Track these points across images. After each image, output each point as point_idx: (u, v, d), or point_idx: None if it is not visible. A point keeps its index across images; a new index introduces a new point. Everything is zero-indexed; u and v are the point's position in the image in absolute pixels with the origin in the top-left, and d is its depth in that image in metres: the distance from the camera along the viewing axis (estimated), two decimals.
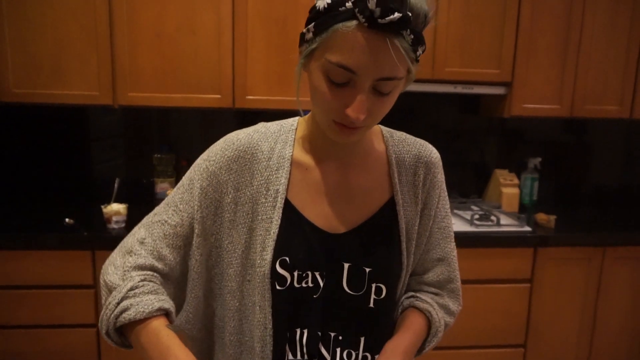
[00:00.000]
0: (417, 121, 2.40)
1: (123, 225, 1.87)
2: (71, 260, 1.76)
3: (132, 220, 1.91)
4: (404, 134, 0.86)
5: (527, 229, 2.01)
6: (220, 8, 1.94)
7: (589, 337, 2.10)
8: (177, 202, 0.79)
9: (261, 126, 0.82)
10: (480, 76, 2.12)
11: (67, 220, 1.86)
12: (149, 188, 2.31)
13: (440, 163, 0.85)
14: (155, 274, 0.77)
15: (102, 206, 1.87)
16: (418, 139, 0.86)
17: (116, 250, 0.80)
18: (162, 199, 2.19)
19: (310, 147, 0.80)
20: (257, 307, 0.76)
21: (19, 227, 1.85)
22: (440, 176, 0.85)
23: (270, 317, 0.75)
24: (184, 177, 0.81)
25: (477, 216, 2.07)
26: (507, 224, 2.04)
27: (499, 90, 2.16)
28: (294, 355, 0.78)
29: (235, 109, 2.03)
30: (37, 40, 1.88)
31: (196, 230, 0.78)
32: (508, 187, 2.28)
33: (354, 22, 0.61)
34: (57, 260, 1.76)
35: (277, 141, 0.79)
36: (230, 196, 0.77)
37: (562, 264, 2.02)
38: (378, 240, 0.79)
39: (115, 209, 1.85)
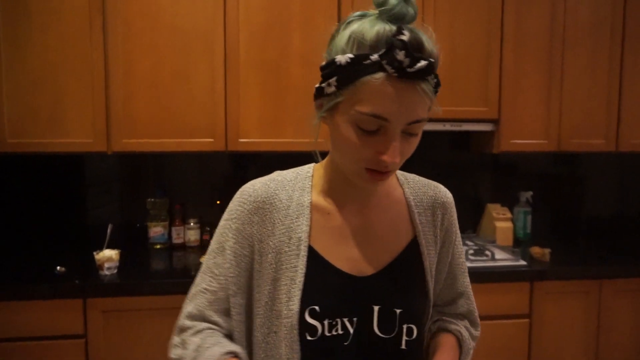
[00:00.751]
0: (412, 160, 2.42)
1: (115, 271, 1.84)
2: (62, 310, 1.73)
3: (125, 265, 1.90)
4: (416, 176, 0.89)
5: (522, 262, 2.01)
6: (213, 56, 2.01)
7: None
8: (212, 267, 0.80)
9: (277, 175, 0.83)
10: (469, 114, 2.18)
11: (58, 268, 1.84)
12: (142, 233, 2.30)
13: (454, 203, 0.89)
14: (215, 329, 0.78)
15: (95, 253, 1.85)
16: (431, 181, 0.89)
17: (174, 333, 0.82)
18: (156, 243, 2.24)
19: (330, 192, 0.81)
20: (285, 358, 0.74)
21: (10, 277, 1.82)
22: (455, 216, 0.89)
23: None
24: (212, 242, 0.82)
25: (471, 251, 2.07)
26: (502, 259, 2.04)
27: (487, 127, 2.21)
28: None
29: (228, 152, 2.05)
30: (34, 91, 1.92)
31: (231, 291, 0.78)
32: (501, 222, 2.30)
33: (382, 74, 0.63)
34: (47, 310, 1.72)
35: (295, 189, 0.80)
36: (256, 248, 0.78)
37: (560, 298, 2.01)
38: (405, 281, 0.80)
39: (108, 255, 1.83)
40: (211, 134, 2.03)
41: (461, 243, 0.91)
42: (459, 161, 2.54)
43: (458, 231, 0.90)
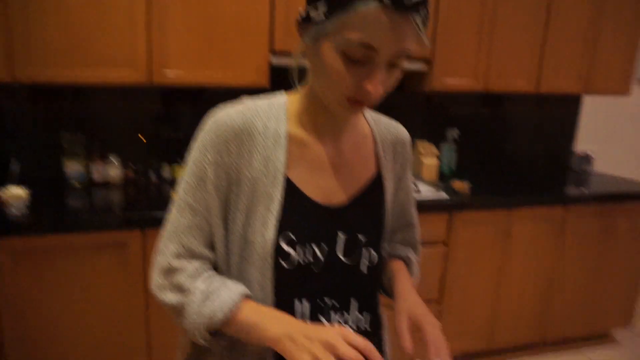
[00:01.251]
0: None
1: (25, 210, 1.73)
2: None
3: (38, 204, 1.81)
4: (380, 114, 0.93)
5: (444, 195, 2.18)
6: None
7: (497, 289, 2.35)
8: (192, 202, 0.77)
9: (249, 102, 0.81)
10: None
11: None
12: (56, 170, 2.17)
13: (410, 142, 0.95)
14: (205, 265, 0.79)
15: None
16: (393, 120, 0.94)
17: (155, 275, 0.79)
18: (74, 181, 2.12)
19: (305, 124, 0.81)
20: (256, 286, 0.76)
21: None
22: (410, 153, 0.97)
23: (271, 295, 0.76)
24: (186, 176, 0.79)
25: None
26: (426, 191, 2.20)
27: (420, 66, 2.27)
28: None
29: (153, 85, 1.96)
30: None
31: (214, 224, 0.78)
32: (428, 158, 2.44)
33: (377, 2, 0.63)
34: None
35: (270, 118, 0.79)
36: (233, 178, 0.77)
37: (475, 226, 2.22)
38: (369, 211, 0.86)
39: (15, 192, 1.70)
40: (130, 64, 1.90)
41: (411, 178, 0.99)
42: (392, 100, 2.60)
43: (410, 167, 0.97)
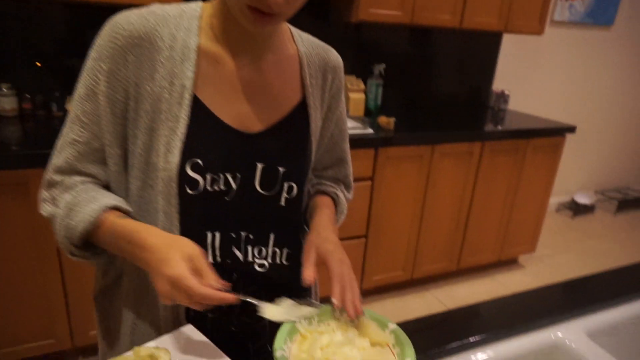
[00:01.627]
0: None
1: None
2: None
3: None
4: (310, 35, 0.83)
5: (370, 131, 2.15)
6: None
7: (419, 223, 2.43)
8: (81, 115, 0.69)
9: (156, 7, 0.69)
10: None
11: None
12: None
13: (343, 68, 0.86)
14: (89, 181, 0.72)
15: None
16: (323, 43, 0.85)
17: (41, 187, 0.75)
18: None
19: (221, 38, 0.71)
20: (161, 214, 0.70)
21: None
22: (343, 82, 0.87)
23: (176, 223, 0.71)
24: (78, 86, 0.70)
25: None
26: (352, 127, 2.15)
27: None
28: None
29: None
30: None
31: (107, 141, 0.70)
32: (354, 93, 2.38)
33: None
34: None
35: (179, 28, 0.69)
36: (131, 93, 0.67)
37: (399, 162, 2.24)
38: (291, 141, 0.78)
39: None
40: None
41: (345, 110, 0.91)
42: (317, 31, 2.47)
43: (343, 97, 0.89)
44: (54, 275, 1.70)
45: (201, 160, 0.69)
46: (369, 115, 2.47)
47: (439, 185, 2.40)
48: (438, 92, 2.96)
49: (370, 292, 2.54)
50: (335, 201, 0.92)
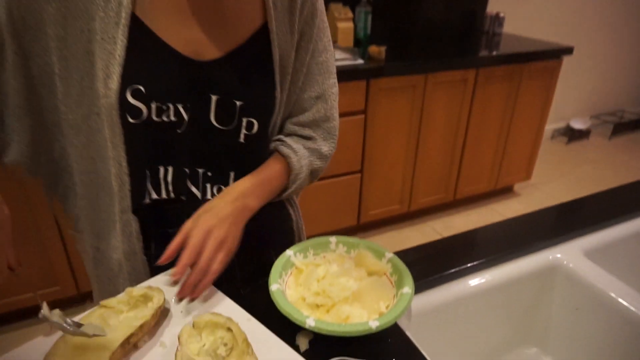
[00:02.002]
0: None
1: None
2: None
3: None
4: None
5: (360, 61, 2.05)
6: None
7: (414, 155, 2.40)
8: None
9: None
10: None
11: None
12: None
13: None
14: None
15: None
16: None
17: None
18: None
19: None
20: (109, 144, 0.65)
21: None
22: (320, 5, 0.75)
23: (124, 154, 0.66)
24: None
25: None
26: (342, 58, 2.06)
27: None
28: (159, 193, 0.71)
29: None
30: None
31: (10, 46, 0.62)
32: (343, 22, 2.25)
33: None
34: None
35: None
36: (53, 6, 0.59)
37: (392, 94, 2.16)
38: (250, 71, 0.71)
39: None
40: None
41: (327, 39, 0.79)
42: None
43: (323, 24, 0.77)
44: (50, 223, 1.69)
45: (143, 87, 0.64)
46: (359, 45, 2.35)
47: (433, 116, 2.35)
48: (430, 18, 2.81)
49: (368, 227, 2.56)
50: (289, 164, 0.78)
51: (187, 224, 0.67)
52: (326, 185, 2.22)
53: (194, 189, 0.74)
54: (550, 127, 3.86)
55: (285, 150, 0.79)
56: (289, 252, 0.75)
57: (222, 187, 0.75)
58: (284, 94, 0.76)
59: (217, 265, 0.65)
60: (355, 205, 2.37)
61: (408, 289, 0.69)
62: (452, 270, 0.89)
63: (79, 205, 0.75)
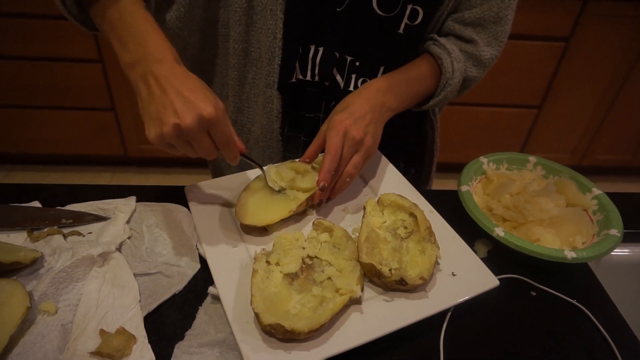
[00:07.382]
0: None
1: None
2: None
3: None
4: None
5: None
6: None
7: (609, 102, 2.03)
8: None
9: None
10: None
11: None
12: None
13: None
14: None
15: None
16: None
17: None
18: None
19: None
20: (268, 12, 0.65)
21: None
22: None
23: (281, 25, 0.66)
24: None
25: None
26: None
27: None
28: (304, 74, 0.71)
29: None
30: None
31: None
32: None
33: None
34: None
35: None
36: None
37: (610, 22, 1.79)
38: None
39: None
40: None
41: None
42: None
43: None
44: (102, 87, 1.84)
45: None
46: None
47: None
48: None
49: None
50: (441, 66, 0.69)
51: (323, 126, 0.64)
52: (494, 113, 2.03)
53: (338, 76, 0.71)
54: None
55: (436, 50, 0.69)
56: (482, 159, 0.70)
57: (367, 79, 0.71)
58: None
59: (352, 169, 0.62)
60: (520, 143, 2.15)
61: (617, 232, 0.59)
62: None
63: (230, 76, 0.74)
